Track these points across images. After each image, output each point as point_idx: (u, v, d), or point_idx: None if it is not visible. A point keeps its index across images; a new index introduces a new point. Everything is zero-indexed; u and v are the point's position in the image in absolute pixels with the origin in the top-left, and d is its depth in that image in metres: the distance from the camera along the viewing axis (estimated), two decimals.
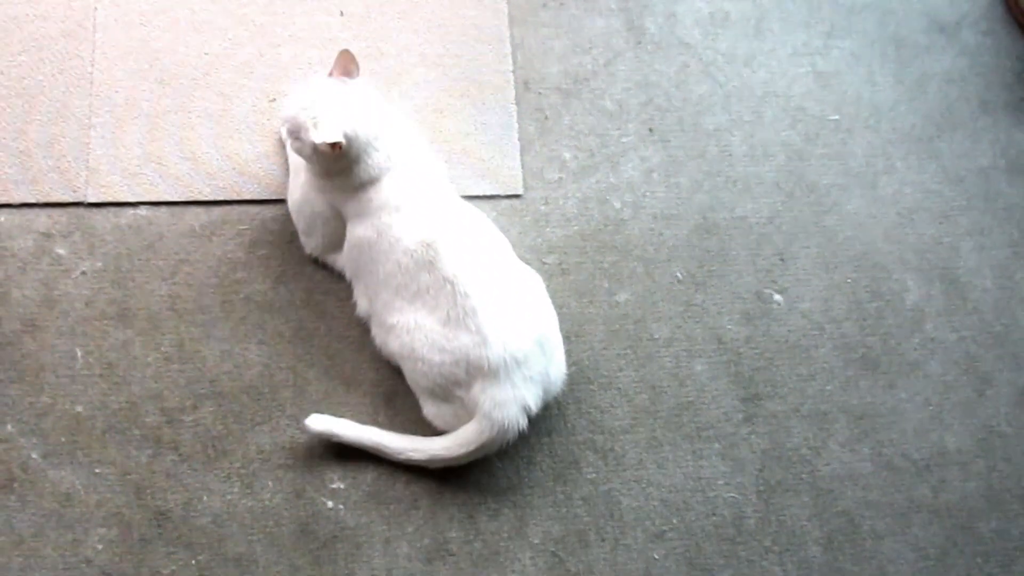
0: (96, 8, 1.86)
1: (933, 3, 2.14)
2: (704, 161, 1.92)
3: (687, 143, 1.93)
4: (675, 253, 1.83)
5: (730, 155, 1.93)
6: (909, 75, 2.06)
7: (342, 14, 1.91)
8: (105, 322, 1.65)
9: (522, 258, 1.69)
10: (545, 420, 1.69)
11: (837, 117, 2.00)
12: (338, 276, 1.72)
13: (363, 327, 1.69)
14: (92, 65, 1.81)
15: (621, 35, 2.00)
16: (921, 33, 2.11)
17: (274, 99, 1.84)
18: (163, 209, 1.74)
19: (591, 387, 1.73)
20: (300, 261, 1.74)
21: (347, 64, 1.55)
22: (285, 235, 1.75)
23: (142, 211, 1.74)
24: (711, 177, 1.91)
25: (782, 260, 1.86)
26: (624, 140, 1.86)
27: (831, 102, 2.01)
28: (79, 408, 1.60)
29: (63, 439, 1.59)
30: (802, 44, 2.05)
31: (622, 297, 1.79)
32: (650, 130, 1.93)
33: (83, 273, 1.68)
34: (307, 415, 1.61)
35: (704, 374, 1.77)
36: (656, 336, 1.78)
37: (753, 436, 1.74)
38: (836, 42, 2.07)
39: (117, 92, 1.80)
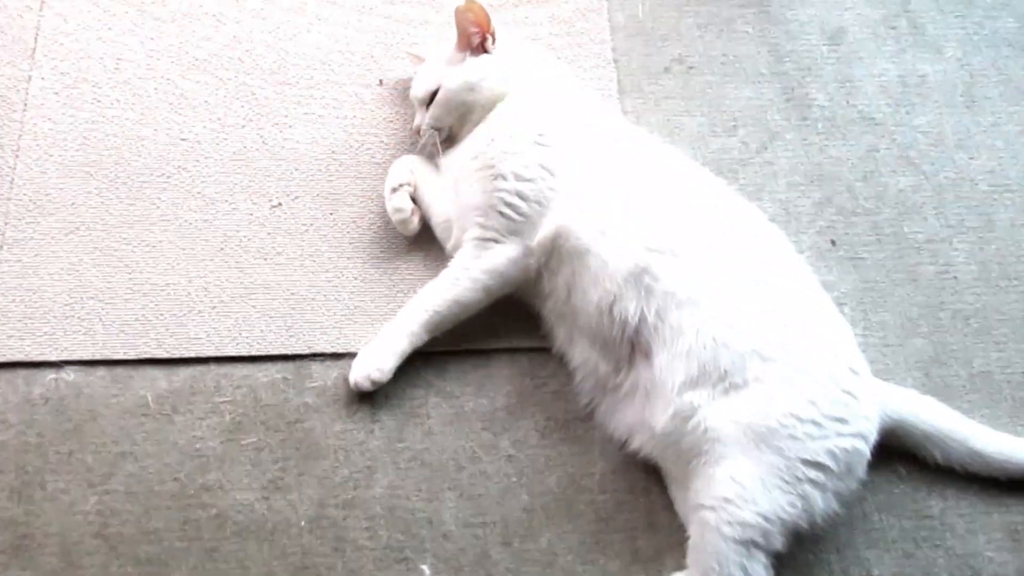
0: (30, 78, 1.35)
1: None
2: (917, 288, 1.34)
3: (888, 262, 1.36)
4: None
5: (955, 279, 1.36)
6: None
7: (381, 83, 1.37)
8: None
9: None
10: None
11: None
12: (363, 472, 1.10)
13: (394, 556, 1.05)
14: (15, 157, 1.33)
15: (778, 109, 1.47)
16: None
17: (279, 203, 1.29)
18: (100, 371, 1.24)
19: None
20: (310, 454, 1.14)
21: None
22: (286, 413, 1.15)
23: (68, 374, 1.23)
24: (931, 312, 1.33)
25: None
26: None
27: None
28: None
29: None
30: None
31: None
32: (832, 242, 1.37)
33: None
34: None
35: None
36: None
37: None
38: None
39: (46, 195, 1.31)
